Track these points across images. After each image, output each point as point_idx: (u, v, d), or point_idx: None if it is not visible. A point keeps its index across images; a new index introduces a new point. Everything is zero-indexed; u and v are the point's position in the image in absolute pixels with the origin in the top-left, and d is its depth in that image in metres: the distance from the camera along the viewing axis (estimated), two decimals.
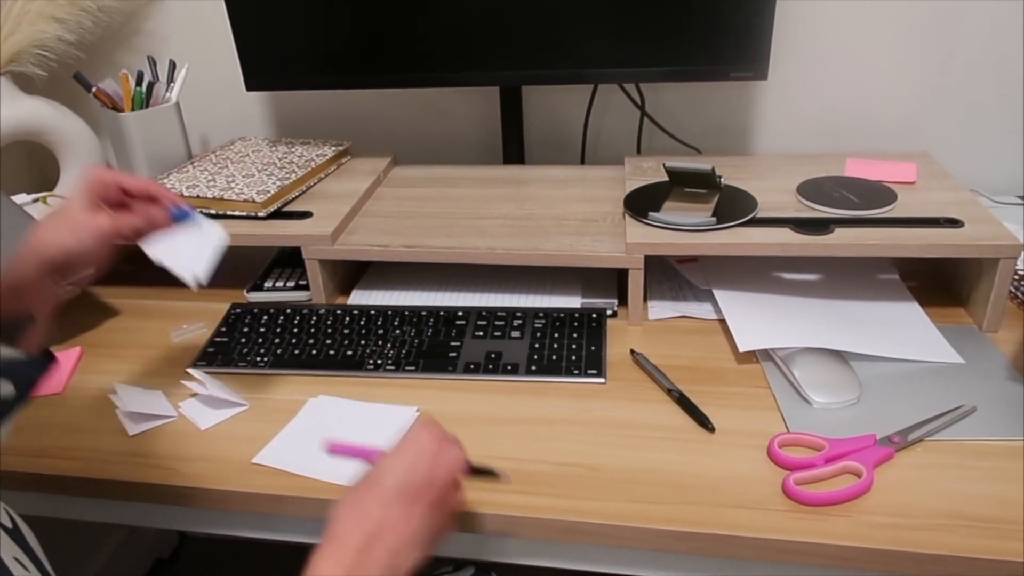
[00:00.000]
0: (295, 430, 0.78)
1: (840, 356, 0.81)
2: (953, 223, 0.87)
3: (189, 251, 0.71)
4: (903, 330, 0.86)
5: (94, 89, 1.12)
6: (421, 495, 0.52)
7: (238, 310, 0.97)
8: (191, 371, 0.84)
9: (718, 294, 0.92)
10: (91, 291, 1.05)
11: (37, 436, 0.79)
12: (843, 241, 0.85)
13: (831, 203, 0.92)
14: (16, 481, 0.76)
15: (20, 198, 1.17)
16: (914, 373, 0.80)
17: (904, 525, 0.62)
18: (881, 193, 0.94)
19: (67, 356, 0.91)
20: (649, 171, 1.07)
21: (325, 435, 0.63)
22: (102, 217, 0.66)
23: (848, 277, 0.96)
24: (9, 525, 0.49)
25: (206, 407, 0.81)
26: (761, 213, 0.92)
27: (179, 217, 0.71)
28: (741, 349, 0.82)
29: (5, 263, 0.63)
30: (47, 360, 0.59)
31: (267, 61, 1.11)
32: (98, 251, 0.65)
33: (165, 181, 1.04)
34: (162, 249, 0.71)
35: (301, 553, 0.54)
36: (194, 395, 0.83)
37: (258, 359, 0.88)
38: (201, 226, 0.73)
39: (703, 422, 0.75)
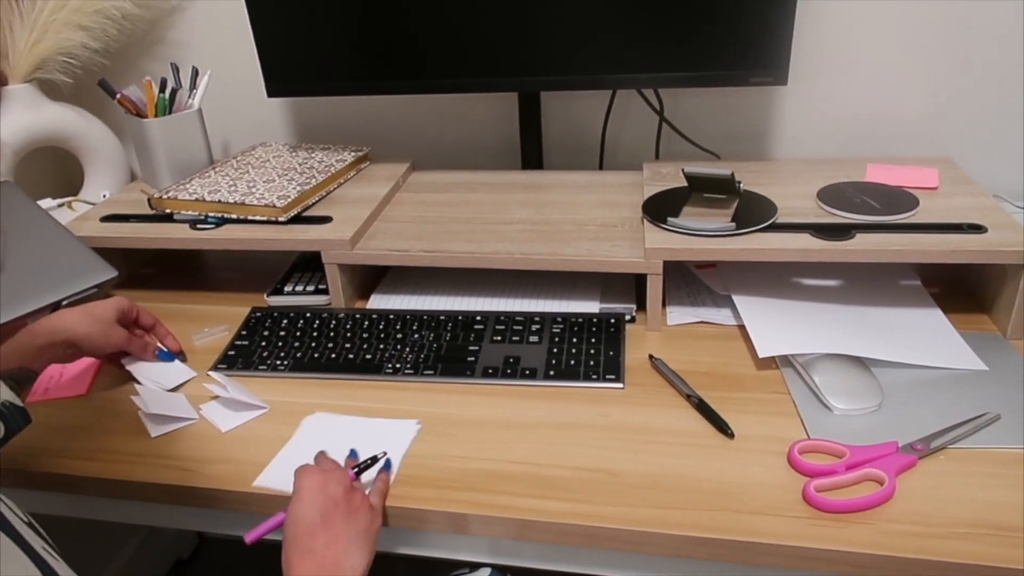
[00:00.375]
0: (294, 449, 0.76)
1: (861, 362, 0.80)
2: (976, 229, 0.86)
3: (164, 375, 0.88)
4: (925, 336, 0.85)
5: (118, 96, 1.14)
6: (331, 515, 0.64)
7: (258, 314, 0.98)
8: (212, 374, 0.85)
9: (737, 299, 0.92)
10: (115, 294, 1.06)
11: (60, 437, 0.80)
12: (864, 247, 0.85)
13: (852, 208, 0.92)
14: (39, 481, 0.77)
15: (46, 203, 1.19)
16: (937, 380, 0.79)
17: (926, 533, 0.62)
18: (902, 199, 0.94)
19: (91, 358, 0.92)
20: (668, 176, 1.07)
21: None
22: (123, 330, 0.86)
23: (869, 283, 0.95)
24: (26, 520, 0.50)
25: (227, 409, 0.82)
26: (781, 219, 0.91)
27: (162, 357, 0.90)
28: (761, 355, 0.82)
29: (40, 326, 0.79)
30: (28, 416, 0.65)
31: (288, 68, 1.12)
32: (105, 350, 0.85)
33: (187, 186, 1.06)
34: (143, 369, 0.88)
35: None
36: (215, 398, 0.84)
37: (278, 362, 0.89)
38: (176, 365, 0.90)
39: (722, 428, 0.74)
